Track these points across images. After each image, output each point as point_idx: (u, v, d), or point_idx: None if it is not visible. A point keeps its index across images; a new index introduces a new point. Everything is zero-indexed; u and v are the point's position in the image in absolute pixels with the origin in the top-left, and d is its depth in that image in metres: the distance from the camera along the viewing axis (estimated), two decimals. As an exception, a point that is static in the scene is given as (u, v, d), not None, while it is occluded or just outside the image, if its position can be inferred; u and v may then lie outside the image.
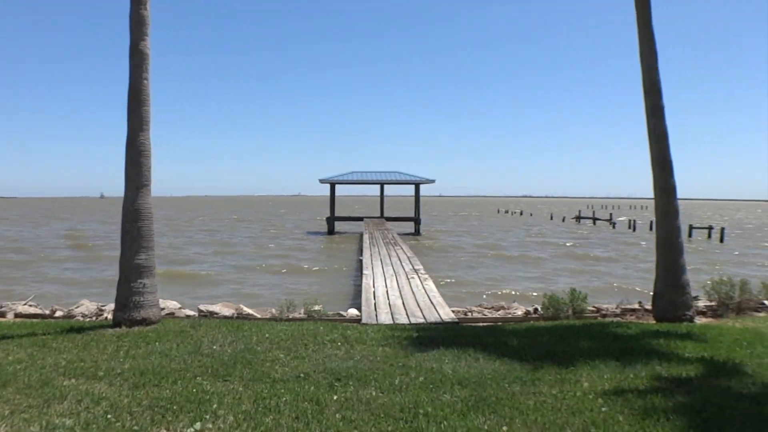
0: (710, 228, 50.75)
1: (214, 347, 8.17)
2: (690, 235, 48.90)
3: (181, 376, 6.69)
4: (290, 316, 11.59)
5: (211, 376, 6.76)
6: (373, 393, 6.05)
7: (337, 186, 49.52)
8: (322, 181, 48.35)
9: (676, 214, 10.95)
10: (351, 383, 6.40)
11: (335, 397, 5.90)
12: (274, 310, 12.04)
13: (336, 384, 6.38)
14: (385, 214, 55.25)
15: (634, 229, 60.66)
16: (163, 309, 12.07)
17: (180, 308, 12.56)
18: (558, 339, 8.67)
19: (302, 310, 11.90)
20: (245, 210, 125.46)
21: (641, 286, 20.80)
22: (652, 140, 11.02)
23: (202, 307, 12.07)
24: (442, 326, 10.07)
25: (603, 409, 5.48)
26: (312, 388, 6.24)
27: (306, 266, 27.47)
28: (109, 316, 11.02)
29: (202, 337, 8.82)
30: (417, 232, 48.53)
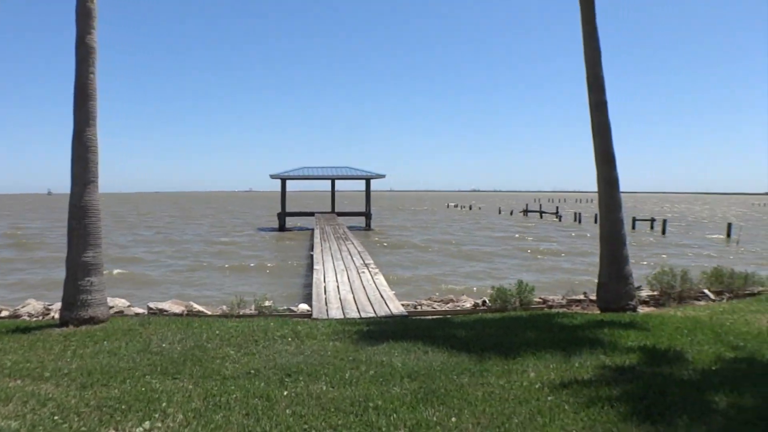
0: (653, 220, 52.14)
1: (164, 345, 8.08)
2: (633, 227, 50.13)
3: (130, 375, 6.60)
4: (241, 313, 11.51)
5: (160, 374, 6.70)
6: (324, 387, 6.08)
7: (288, 181, 49.25)
8: (272, 177, 47.92)
9: (619, 206, 11.23)
10: (301, 378, 6.42)
11: (285, 393, 5.91)
12: (224, 307, 11.95)
13: (286, 379, 6.39)
14: (337, 209, 55.15)
15: (580, 222, 61.85)
16: (111, 307, 11.85)
17: (129, 306, 12.36)
18: (505, 330, 8.83)
19: (253, 307, 11.84)
20: (196, 206, 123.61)
21: (587, 277, 21.25)
22: (596, 134, 11.27)
23: (152, 305, 11.91)
24: (392, 320, 10.15)
25: (549, 398, 5.62)
26: (262, 384, 6.23)
27: (256, 263, 27.25)
28: (56, 316, 10.78)
29: (151, 335, 8.71)
30: (368, 227, 48.58)
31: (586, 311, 11.54)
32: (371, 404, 5.50)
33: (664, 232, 46.81)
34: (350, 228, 38.09)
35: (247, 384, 6.23)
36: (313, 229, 35.66)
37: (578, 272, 23.90)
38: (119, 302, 12.35)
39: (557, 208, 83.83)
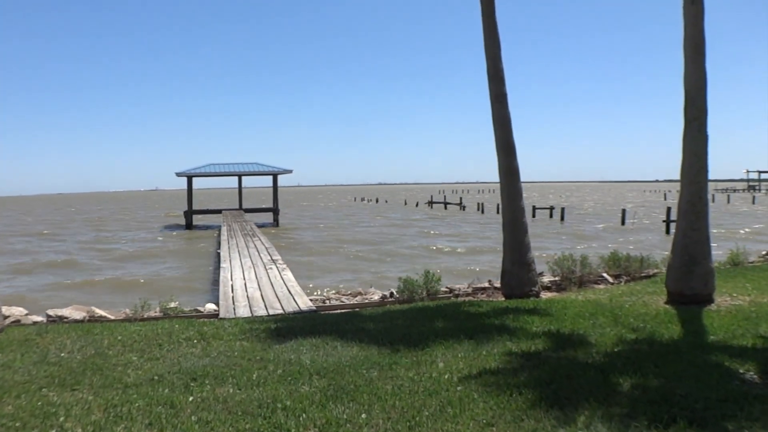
0: (552, 208, 53.93)
1: (62, 354, 7.65)
2: (534, 216, 51.64)
3: (25, 389, 6.20)
4: (145, 316, 11.12)
5: (58, 386, 6.33)
6: (231, 390, 5.90)
7: (196, 179, 48.01)
8: (178, 174, 46.56)
9: (520, 195, 11.51)
10: (207, 382, 6.21)
11: (191, 398, 5.70)
12: (128, 310, 11.50)
13: (192, 384, 6.17)
14: (245, 206, 54.24)
15: (483, 211, 63.25)
16: (7, 317, 11.22)
17: (27, 314, 11.72)
18: (413, 321, 8.89)
19: (158, 309, 11.48)
20: (94, 207, 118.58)
21: (490, 265, 21.71)
22: (497, 125, 11.50)
23: (51, 312, 11.33)
24: (300, 316, 10.03)
25: (458, 388, 5.65)
26: (166, 390, 5.99)
27: (163, 262, 26.47)
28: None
29: (49, 344, 8.24)
30: (276, 223, 48.02)
31: (491, 299, 11.78)
32: (280, 405, 5.38)
33: (562, 219, 48.52)
34: (258, 225, 37.55)
35: (151, 391, 5.98)
36: (220, 227, 34.86)
37: (482, 260, 24.36)
38: (16, 311, 11.69)
39: (461, 198, 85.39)
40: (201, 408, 5.43)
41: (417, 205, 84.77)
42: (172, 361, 7.17)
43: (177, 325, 9.23)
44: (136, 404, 5.60)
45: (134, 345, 8.01)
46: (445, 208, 74.96)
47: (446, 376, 6.05)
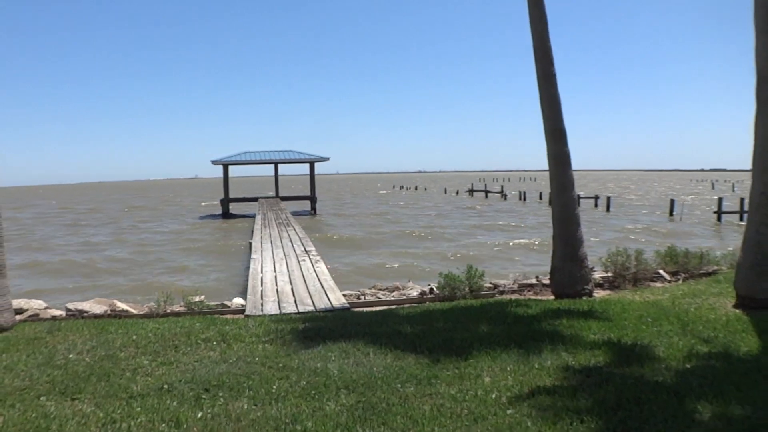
0: (596, 198, 52.36)
1: (71, 356, 7.02)
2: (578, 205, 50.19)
3: (22, 397, 5.58)
4: (168, 311, 10.51)
5: (58, 394, 5.68)
6: (246, 406, 5.15)
7: (234, 167, 47.69)
8: (214, 162, 46.27)
9: (572, 185, 10.57)
10: (221, 394, 5.47)
11: (200, 414, 4.98)
12: (153, 304, 10.88)
13: (203, 396, 5.44)
14: (282, 194, 53.78)
15: (525, 200, 62.01)
16: (25, 311, 10.73)
17: (45, 308, 11.21)
18: (455, 324, 8.01)
19: (182, 303, 10.85)
20: (135, 197, 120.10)
21: (538, 259, 20.65)
22: (545, 107, 10.56)
23: (71, 306, 10.76)
24: (331, 315, 9.22)
25: (508, 411, 4.80)
26: (174, 403, 5.28)
27: (196, 251, 26.04)
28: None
29: (58, 343, 7.63)
30: (313, 211, 47.51)
31: (539, 297, 10.90)
32: (299, 428, 4.62)
33: (608, 209, 46.96)
34: (295, 214, 37.04)
35: (157, 403, 5.27)
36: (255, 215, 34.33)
37: (529, 253, 23.37)
38: (35, 304, 11.21)
39: (502, 187, 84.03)
40: (209, 428, 4.71)
41: (457, 193, 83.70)
42: (186, 366, 6.47)
43: (198, 323, 8.54)
44: (139, 419, 4.93)
45: (148, 346, 7.33)
46: (486, 196, 73.79)
47: (493, 395, 5.19)
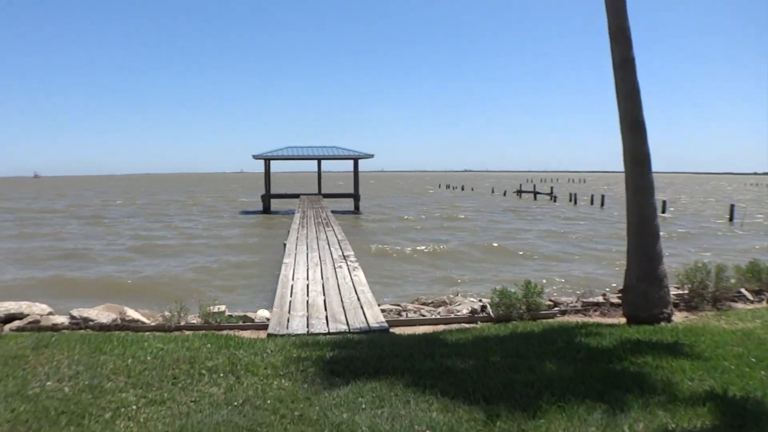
0: (664, 202, 49.69)
1: (48, 384, 5.82)
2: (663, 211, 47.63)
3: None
4: (182, 323, 9.32)
5: (12, 443, 4.48)
6: (242, 482, 3.84)
7: (277, 163, 46.76)
8: (255, 157, 45.42)
9: (651, 189, 9.01)
10: (214, 458, 4.18)
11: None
12: (167, 313, 9.70)
13: (190, 460, 4.15)
14: (324, 191, 52.67)
15: (575, 203, 59.83)
16: (25, 316, 9.70)
17: (49, 314, 10.15)
18: (516, 359, 6.54)
19: (198, 315, 9.65)
20: (174, 189, 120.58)
21: (602, 271, 18.82)
22: (621, 98, 9.03)
23: (75, 313, 9.67)
24: (366, 338, 7.81)
25: None
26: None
27: (230, 250, 25.00)
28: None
29: (40, 365, 6.44)
30: (356, 210, 46.28)
31: (608, 319, 9.42)
32: None
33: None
34: (337, 212, 35.85)
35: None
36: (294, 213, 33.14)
37: (590, 264, 21.65)
38: (37, 309, 10.14)
39: (551, 188, 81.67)
40: None
41: (504, 194, 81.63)
42: (180, 408, 5.18)
43: (208, 345, 7.26)
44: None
45: (142, 375, 6.07)
46: (535, 198, 71.64)
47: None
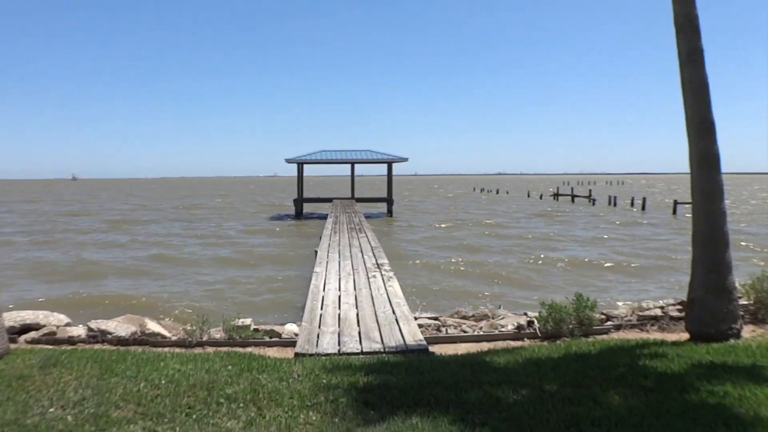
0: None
1: (50, 411, 5.23)
2: (674, 212, 46.50)
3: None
4: (205, 338, 8.69)
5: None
6: None
7: (309, 166, 46.32)
8: (288, 161, 45.07)
9: (721, 193, 8.11)
10: None
11: None
12: (189, 326, 9.10)
13: None
14: (357, 195, 52.09)
15: (615, 205, 58.40)
16: (41, 327, 9.22)
17: (66, 324, 9.72)
18: (574, 387, 5.70)
19: (221, 329, 9.02)
20: (207, 193, 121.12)
21: (651, 279, 17.65)
22: (688, 94, 8.15)
23: (93, 325, 9.18)
24: (404, 360, 7.01)
25: None
26: None
27: (263, 260, 24.44)
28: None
29: (45, 388, 5.86)
30: (390, 213, 45.60)
31: (667, 335, 8.57)
32: None
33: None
34: (370, 216, 35.14)
35: None
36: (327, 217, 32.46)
37: (637, 270, 20.61)
38: (54, 319, 9.72)
39: (590, 191, 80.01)
40: None
41: (541, 197, 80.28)
42: (191, 450, 4.49)
43: (229, 367, 6.59)
44: None
45: (153, 403, 5.41)
46: (573, 201, 70.18)
47: None
